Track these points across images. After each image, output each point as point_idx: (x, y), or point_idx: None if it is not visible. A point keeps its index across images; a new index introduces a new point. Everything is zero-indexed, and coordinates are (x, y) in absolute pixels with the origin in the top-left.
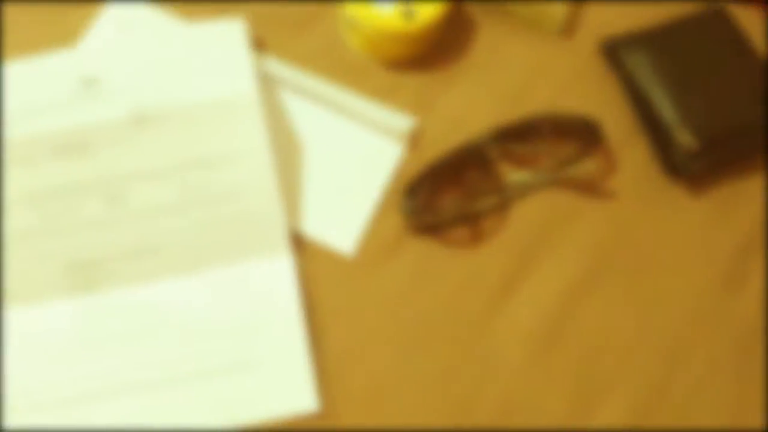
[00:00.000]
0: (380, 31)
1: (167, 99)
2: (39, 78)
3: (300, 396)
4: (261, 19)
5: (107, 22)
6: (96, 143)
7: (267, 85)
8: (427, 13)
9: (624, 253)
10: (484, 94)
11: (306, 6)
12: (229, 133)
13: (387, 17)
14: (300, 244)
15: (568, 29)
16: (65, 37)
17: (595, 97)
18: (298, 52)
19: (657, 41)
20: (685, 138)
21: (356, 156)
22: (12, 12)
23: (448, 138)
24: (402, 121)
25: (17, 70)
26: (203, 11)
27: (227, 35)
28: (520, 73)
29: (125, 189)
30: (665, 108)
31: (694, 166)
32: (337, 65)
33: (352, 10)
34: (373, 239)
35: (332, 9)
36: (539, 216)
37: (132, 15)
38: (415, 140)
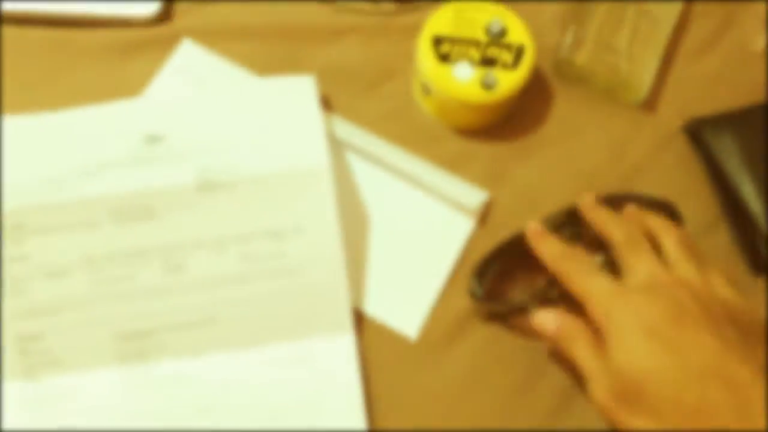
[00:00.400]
0: (457, 99)
1: (235, 165)
2: (99, 131)
3: None
4: (329, 75)
5: (172, 71)
6: (159, 208)
7: (333, 147)
8: (507, 84)
9: None
10: (559, 168)
11: (377, 64)
12: (298, 205)
13: (465, 85)
14: (361, 322)
15: (651, 103)
16: (127, 86)
17: (676, 178)
18: (367, 112)
19: (745, 124)
20: None
21: (424, 229)
22: (70, 56)
23: (520, 214)
24: (474, 195)
25: (75, 121)
26: (269, 63)
27: (298, 92)
28: (597, 148)
29: (185, 257)
30: (752, 198)
31: None
32: (407, 129)
33: (428, 74)
34: (438, 320)
35: (405, 68)
36: None
37: (198, 65)
38: (485, 214)
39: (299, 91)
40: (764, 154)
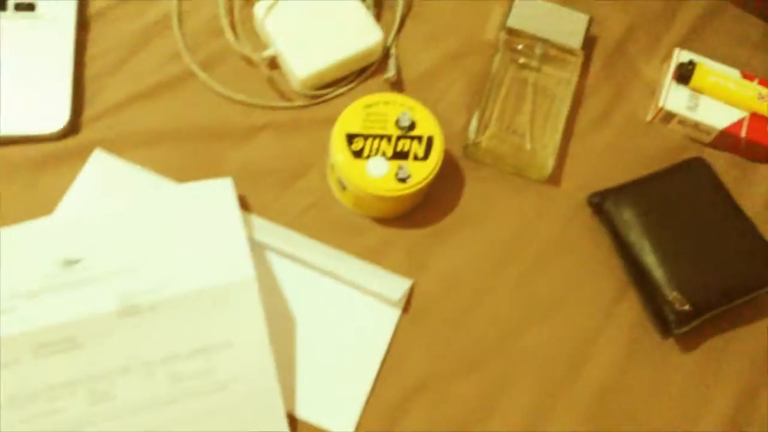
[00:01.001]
0: (372, 194)
1: (158, 285)
2: (11, 258)
3: None
4: (245, 174)
5: (84, 184)
6: (82, 338)
7: (255, 250)
8: (420, 174)
9: (616, 410)
10: (477, 248)
11: (293, 160)
12: (225, 320)
13: (379, 180)
14: (296, 426)
15: (556, 178)
16: (39, 203)
17: (586, 249)
18: (286, 209)
19: (641, 194)
20: (675, 299)
21: (352, 324)
22: None
23: (443, 298)
24: (397, 285)
25: None
26: (184, 167)
27: (216, 197)
28: (510, 225)
29: (112, 384)
30: (654, 266)
31: (686, 328)
32: (327, 223)
33: (343, 171)
34: (372, 412)
35: (321, 161)
36: None
37: (111, 175)
38: (409, 302)
39: (217, 195)
40: (661, 222)
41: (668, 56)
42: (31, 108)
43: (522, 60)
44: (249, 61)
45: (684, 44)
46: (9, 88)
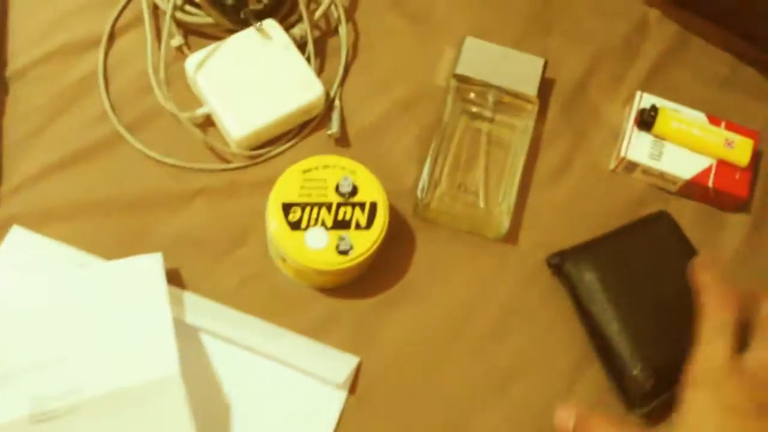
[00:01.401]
0: (312, 267)
1: (75, 385)
2: None
3: None
4: (178, 245)
5: (2, 263)
6: None
7: (186, 332)
8: (363, 245)
9: None
10: (428, 317)
11: (229, 228)
12: (148, 419)
13: (319, 252)
14: None
15: (513, 236)
16: None
17: (545, 314)
18: (222, 281)
19: (602, 255)
20: (639, 376)
21: (294, 409)
22: None
23: (391, 376)
24: (342, 365)
25: None
26: (112, 241)
27: (143, 277)
28: (464, 290)
29: None
30: (616, 336)
31: (650, 405)
32: (267, 295)
33: (280, 244)
34: None
35: (258, 228)
36: None
37: (31, 253)
38: (356, 381)
39: (144, 275)
40: (624, 285)
41: (631, 97)
42: None
43: (474, 109)
44: (181, 121)
45: (648, 82)
46: None
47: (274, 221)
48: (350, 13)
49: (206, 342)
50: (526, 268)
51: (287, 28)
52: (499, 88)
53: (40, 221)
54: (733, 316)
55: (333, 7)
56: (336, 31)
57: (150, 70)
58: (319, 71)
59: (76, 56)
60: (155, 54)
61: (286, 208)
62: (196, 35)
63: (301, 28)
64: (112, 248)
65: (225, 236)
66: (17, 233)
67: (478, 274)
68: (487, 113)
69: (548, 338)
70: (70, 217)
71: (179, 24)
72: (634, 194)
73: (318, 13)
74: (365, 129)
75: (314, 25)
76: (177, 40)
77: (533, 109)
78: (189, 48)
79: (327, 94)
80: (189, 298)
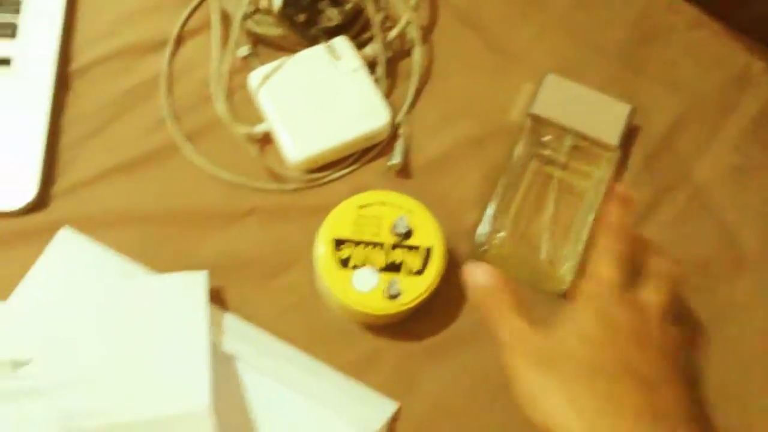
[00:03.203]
0: (357, 310)
1: (105, 407)
2: None
3: None
4: (224, 263)
5: (47, 266)
6: None
7: (223, 360)
8: (413, 292)
9: None
10: (473, 371)
11: (277, 251)
12: None
13: (366, 295)
14: None
15: (574, 292)
16: None
17: None
18: (265, 307)
19: None
20: None
21: None
22: None
23: (430, 427)
24: (380, 410)
25: None
26: (157, 252)
27: (186, 296)
28: None
29: None
30: None
31: None
32: (309, 326)
33: (327, 281)
34: None
35: (308, 255)
36: None
37: (78, 257)
38: (393, 427)
39: (187, 293)
40: None
41: (723, 153)
42: None
43: (547, 152)
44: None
45: (743, 140)
46: None
47: (323, 257)
48: (425, 35)
49: (241, 369)
50: None
51: (359, 47)
52: (577, 133)
53: (88, 225)
54: (628, 252)
55: (408, 27)
56: (409, 53)
57: (213, 79)
58: (387, 94)
59: (140, 57)
60: (220, 63)
61: (338, 243)
62: (264, 45)
63: (373, 49)
64: (157, 260)
65: (273, 260)
66: (66, 235)
67: None
68: (561, 158)
69: None
70: (118, 223)
71: (248, 33)
72: None
73: (392, 34)
74: (429, 162)
75: (387, 46)
76: (244, 50)
77: (613, 158)
78: (257, 56)
79: (392, 120)
80: (229, 320)
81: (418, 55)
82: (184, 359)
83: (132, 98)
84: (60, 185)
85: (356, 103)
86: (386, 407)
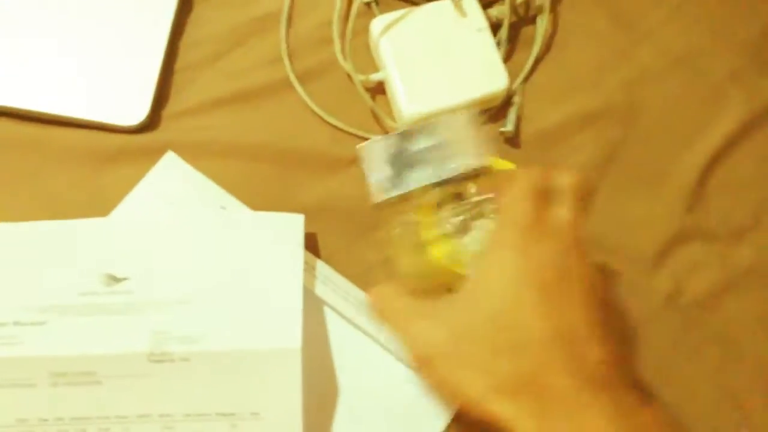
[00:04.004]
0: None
1: (195, 333)
2: (54, 257)
3: None
4: (321, 210)
5: (149, 187)
6: (104, 376)
7: (311, 302)
8: None
9: None
10: None
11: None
12: (259, 389)
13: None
14: None
15: None
16: (100, 199)
17: None
18: (358, 260)
19: None
20: None
21: (400, 411)
22: (42, 158)
23: None
24: None
25: (28, 238)
26: (256, 188)
27: (282, 236)
28: None
29: (125, 430)
30: None
31: None
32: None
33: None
34: None
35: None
36: None
37: (179, 183)
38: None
39: (284, 234)
40: None
41: None
42: (111, 94)
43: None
44: (354, 83)
45: None
46: (95, 68)
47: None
48: (553, 4)
49: (329, 317)
50: None
51: (484, 7)
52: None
53: (191, 152)
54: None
55: None
56: (533, 20)
57: (335, 22)
58: (505, 59)
59: None
60: (343, 5)
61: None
62: None
63: (499, 11)
64: (255, 198)
65: (370, 213)
66: (170, 159)
67: None
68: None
69: None
70: (220, 155)
71: None
72: None
73: None
74: (540, 133)
75: (513, 10)
76: None
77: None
78: (377, 5)
79: (509, 87)
80: (322, 267)
81: (543, 23)
82: (277, 297)
83: (250, 30)
84: (169, 109)
85: (476, 64)
86: None
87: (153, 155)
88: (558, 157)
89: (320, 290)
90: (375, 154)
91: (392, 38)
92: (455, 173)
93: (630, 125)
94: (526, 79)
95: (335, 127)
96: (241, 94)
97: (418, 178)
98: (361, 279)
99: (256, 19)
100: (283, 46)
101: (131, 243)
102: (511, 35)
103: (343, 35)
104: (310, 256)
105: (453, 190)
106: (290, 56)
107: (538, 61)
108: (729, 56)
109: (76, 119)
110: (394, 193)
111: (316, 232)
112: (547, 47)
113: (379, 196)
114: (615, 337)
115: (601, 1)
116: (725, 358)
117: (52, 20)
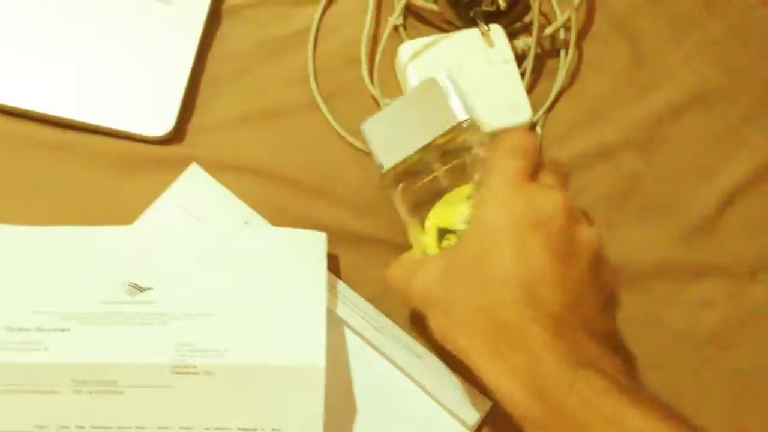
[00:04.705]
0: None
1: (219, 346)
2: (77, 262)
3: None
4: (338, 232)
5: (173, 198)
6: (126, 385)
7: (331, 323)
8: None
9: None
10: None
11: (393, 231)
12: (281, 404)
13: None
14: None
15: None
16: (122, 208)
17: None
18: (373, 283)
19: None
20: None
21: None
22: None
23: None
24: (475, 405)
25: (51, 243)
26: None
27: (306, 252)
28: None
29: None
30: None
31: None
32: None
33: None
34: None
35: None
36: None
37: (203, 196)
38: (483, 423)
39: (308, 250)
40: None
41: None
42: (138, 104)
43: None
44: (380, 107)
45: None
46: (123, 78)
47: (429, 246)
48: (577, 39)
49: (349, 339)
50: None
51: (510, 38)
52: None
53: (215, 166)
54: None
55: (564, 27)
56: (557, 53)
57: (363, 43)
58: (528, 90)
59: (293, 7)
60: (372, 27)
61: (441, 233)
62: (413, 16)
63: (526, 42)
64: (276, 216)
65: (388, 237)
66: (195, 171)
67: None
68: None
69: None
70: (243, 171)
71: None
72: None
73: (548, 31)
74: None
75: (538, 42)
76: (398, 19)
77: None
78: (405, 29)
79: (530, 119)
80: (343, 288)
81: (568, 57)
82: (301, 314)
83: (278, 48)
84: (194, 122)
85: (502, 95)
86: (482, 404)
87: (176, 167)
88: (577, 187)
89: (341, 310)
90: (375, 127)
91: (420, 64)
92: (449, 126)
93: (648, 159)
94: (549, 110)
95: (359, 149)
96: (266, 112)
97: (416, 139)
98: (380, 301)
99: (283, 37)
100: (310, 65)
101: (155, 253)
102: (534, 66)
103: (370, 57)
104: (331, 275)
105: (455, 159)
106: (316, 76)
107: (560, 94)
108: (746, 98)
109: (102, 127)
110: (399, 157)
111: (338, 254)
112: (570, 80)
113: (387, 163)
114: (601, 297)
115: (624, 39)
116: (738, 396)
117: (83, 30)
